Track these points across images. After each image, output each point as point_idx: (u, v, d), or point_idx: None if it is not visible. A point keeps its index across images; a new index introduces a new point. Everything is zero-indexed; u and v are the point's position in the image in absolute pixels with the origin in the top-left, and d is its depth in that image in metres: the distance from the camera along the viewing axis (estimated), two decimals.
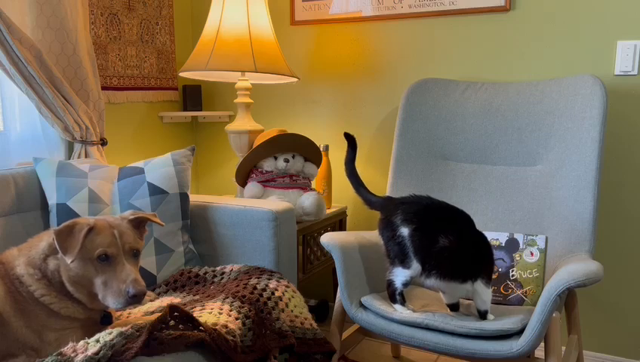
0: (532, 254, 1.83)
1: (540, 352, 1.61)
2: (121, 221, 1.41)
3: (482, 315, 1.64)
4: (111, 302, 1.30)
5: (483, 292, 1.62)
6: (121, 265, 1.32)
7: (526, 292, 1.81)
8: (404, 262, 1.63)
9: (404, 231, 1.62)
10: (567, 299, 1.86)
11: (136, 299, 1.29)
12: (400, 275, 1.65)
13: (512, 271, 1.84)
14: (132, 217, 1.44)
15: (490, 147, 2.03)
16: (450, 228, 1.61)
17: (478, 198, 2.01)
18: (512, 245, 1.87)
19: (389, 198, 1.74)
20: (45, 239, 1.38)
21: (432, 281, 1.64)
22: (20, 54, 1.81)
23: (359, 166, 2.51)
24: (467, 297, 1.71)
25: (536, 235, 1.84)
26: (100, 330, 1.28)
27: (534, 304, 1.75)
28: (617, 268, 2.09)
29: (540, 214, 1.88)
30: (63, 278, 1.33)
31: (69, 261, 1.29)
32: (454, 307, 1.74)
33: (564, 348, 1.89)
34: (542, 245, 1.82)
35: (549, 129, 1.92)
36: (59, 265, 1.33)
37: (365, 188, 1.80)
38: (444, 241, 1.60)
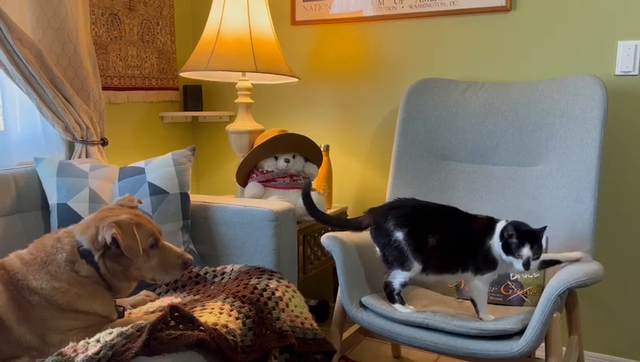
0: None
1: (540, 352, 1.60)
2: (132, 210, 1.49)
3: (474, 304, 1.67)
4: (169, 277, 1.47)
5: (471, 280, 1.67)
6: (167, 245, 1.47)
7: (526, 292, 1.81)
8: (403, 265, 1.65)
9: (399, 235, 1.65)
10: (568, 299, 1.86)
11: (187, 266, 1.47)
12: (399, 277, 1.67)
13: None
14: (130, 204, 1.54)
15: (491, 147, 2.03)
16: (436, 228, 1.65)
17: (479, 198, 2.01)
18: None
19: (373, 209, 1.76)
20: (58, 248, 1.38)
21: (431, 277, 1.69)
22: (20, 54, 1.81)
23: (359, 166, 2.52)
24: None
25: None
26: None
27: (535, 304, 1.75)
28: (618, 268, 2.08)
29: (540, 214, 1.88)
30: (108, 277, 1.39)
31: (137, 260, 1.40)
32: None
33: (564, 349, 1.88)
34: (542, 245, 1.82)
35: (549, 129, 1.92)
36: (91, 269, 1.37)
37: (345, 220, 1.84)
38: (432, 241, 1.64)
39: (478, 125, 2.05)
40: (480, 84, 2.11)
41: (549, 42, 2.11)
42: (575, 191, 1.81)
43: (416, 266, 1.65)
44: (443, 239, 1.64)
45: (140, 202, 1.60)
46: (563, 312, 1.81)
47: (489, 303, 1.73)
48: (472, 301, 1.67)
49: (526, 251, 1.56)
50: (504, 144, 2.00)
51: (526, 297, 1.81)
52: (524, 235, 1.57)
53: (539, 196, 1.90)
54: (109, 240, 1.34)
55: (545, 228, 1.60)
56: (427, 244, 1.64)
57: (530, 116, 1.96)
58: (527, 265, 1.56)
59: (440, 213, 1.70)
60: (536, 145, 1.94)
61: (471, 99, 2.08)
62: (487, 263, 1.64)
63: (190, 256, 1.48)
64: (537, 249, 1.57)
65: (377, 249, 1.72)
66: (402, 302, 1.68)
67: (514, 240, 1.57)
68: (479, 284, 1.65)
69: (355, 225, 1.77)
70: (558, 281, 1.46)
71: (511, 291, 1.83)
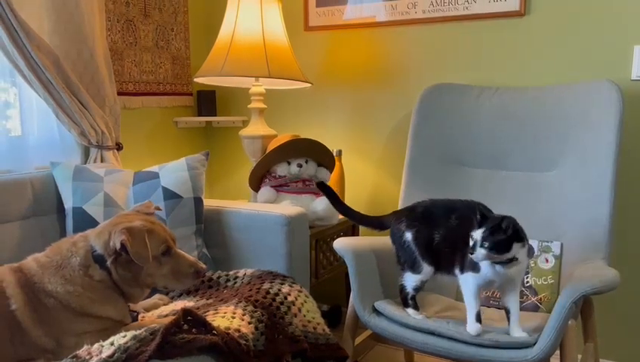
0: (547, 261, 1.82)
1: (555, 360, 1.58)
2: (147, 216, 1.49)
3: (507, 314, 1.57)
4: (181, 285, 1.48)
5: (458, 278, 1.60)
6: (180, 254, 1.45)
7: (541, 299, 1.79)
8: (413, 267, 1.65)
9: (409, 235, 1.65)
10: (584, 306, 1.83)
11: (200, 275, 1.46)
12: (410, 280, 1.66)
13: (527, 277, 1.83)
14: (147, 211, 1.54)
15: (505, 152, 2.01)
16: (441, 224, 1.62)
17: (493, 204, 1.97)
18: None
19: (396, 211, 1.76)
20: (73, 252, 1.40)
21: (445, 278, 1.66)
22: (38, 60, 1.84)
23: (372, 171, 2.52)
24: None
25: (552, 241, 1.83)
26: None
27: (549, 311, 1.73)
28: (634, 274, 2.05)
29: (555, 220, 1.86)
30: (120, 282, 1.39)
31: (148, 267, 1.39)
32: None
33: (580, 356, 1.86)
34: (557, 251, 1.81)
35: (564, 134, 1.91)
36: (104, 274, 1.38)
37: (369, 216, 1.82)
38: (437, 237, 1.62)
39: (492, 130, 2.03)
40: (494, 89, 2.09)
41: (564, 47, 2.09)
42: (590, 197, 1.79)
43: (426, 268, 1.63)
44: (444, 235, 1.61)
45: (159, 209, 1.61)
46: (578, 319, 1.79)
47: (499, 308, 1.71)
48: (506, 310, 1.59)
49: (476, 234, 1.45)
50: (518, 149, 1.99)
51: (540, 304, 1.79)
52: (483, 219, 1.47)
53: (553, 202, 1.89)
54: (118, 246, 1.35)
55: (506, 217, 1.45)
56: (434, 243, 1.62)
57: (544, 121, 1.95)
58: (472, 248, 1.45)
59: (452, 208, 1.65)
60: (551, 150, 1.93)
61: (485, 104, 2.07)
62: (469, 261, 1.54)
63: (203, 265, 1.47)
64: (489, 236, 1.42)
65: (394, 249, 1.72)
66: (416, 308, 1.66)
67: (477, 223, 1.48)
68: (464, 286, 1.57)
69: (378, 224, 1.78)
70: (572, 288, 1.44)
71: (525, 297, 1.81)
